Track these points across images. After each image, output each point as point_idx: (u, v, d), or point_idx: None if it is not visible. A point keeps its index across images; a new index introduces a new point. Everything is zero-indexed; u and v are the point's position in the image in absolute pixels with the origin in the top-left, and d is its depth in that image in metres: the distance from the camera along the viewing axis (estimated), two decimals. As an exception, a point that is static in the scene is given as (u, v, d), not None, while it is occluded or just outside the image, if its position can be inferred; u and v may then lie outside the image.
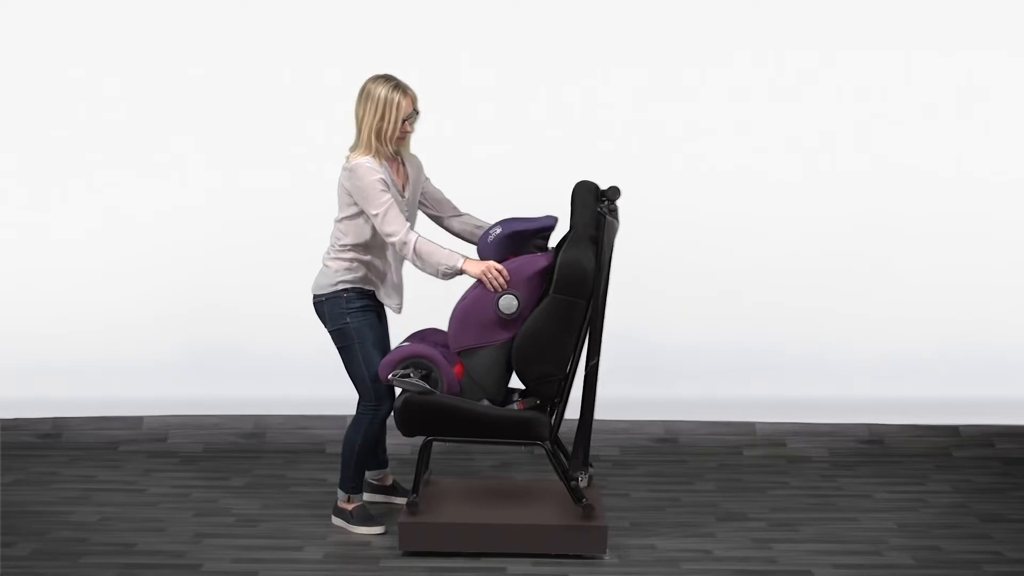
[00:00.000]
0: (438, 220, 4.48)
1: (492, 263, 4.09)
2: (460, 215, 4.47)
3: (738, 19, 5.86)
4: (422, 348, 4.12)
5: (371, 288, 4.29)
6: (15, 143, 5.94)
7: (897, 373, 5.94)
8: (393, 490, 4.70)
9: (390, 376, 4.09)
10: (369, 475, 4.67)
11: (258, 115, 5.88)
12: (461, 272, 4.11)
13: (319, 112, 5.80)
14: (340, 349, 4.28)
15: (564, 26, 5.87)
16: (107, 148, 5.93)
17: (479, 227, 4.42)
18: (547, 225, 4.18)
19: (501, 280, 4.07)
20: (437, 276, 4.14)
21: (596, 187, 4.17)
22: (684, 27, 5.86)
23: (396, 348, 4.21)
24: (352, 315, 4.24)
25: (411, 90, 4.16)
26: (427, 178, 4.44)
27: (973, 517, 4.59)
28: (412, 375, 4.05)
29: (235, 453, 5.43)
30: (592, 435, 4.22)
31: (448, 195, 4.49)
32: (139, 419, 5.61)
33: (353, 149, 4.19)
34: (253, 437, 5.56)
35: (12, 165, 5.96)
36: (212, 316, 5.97)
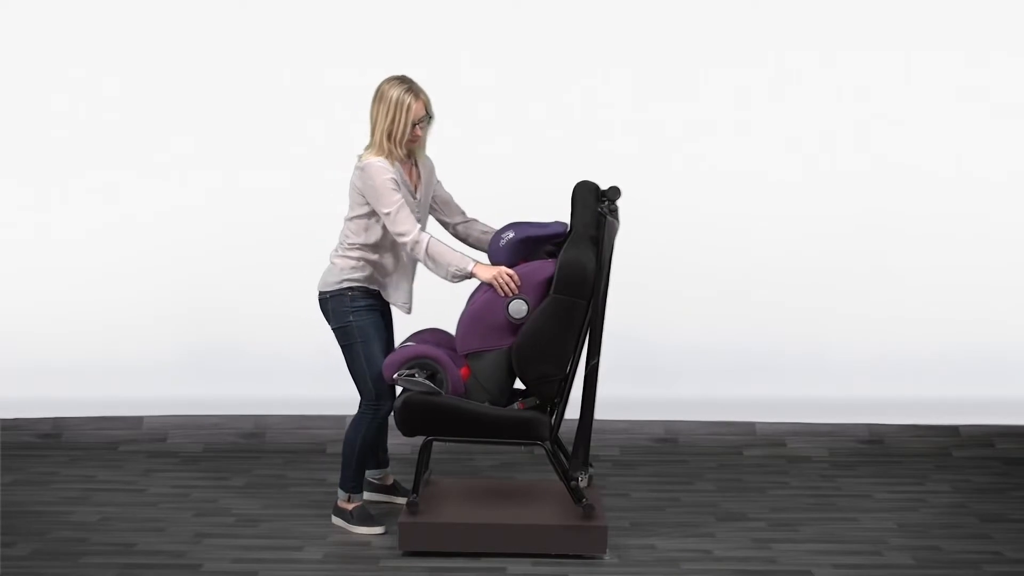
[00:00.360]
0: (445, 224, 4.48)
1: (503, 268, 4.09)
2: (468, 220, 4.47)
3: (738, 19, 5.87)
4: (427, 349, 4.12)
5: (376, 288, 4.29)
6: (15, 143, 5.94)
7: (897, 373, 5.94)
8: (394, 490, 4.71)
9: (395, 376, 4.09)
10: (370, 474, 4.67)
11: (258, 115, 5.88)
12: (471, 275, 4.11)
13: (319, 112, 5.80)
14: (343, 347, 4.29)
15: (564, 26, 5.87)
16: (107, 148, 5.93)
17: (486, 232, 4.42)
18: (558, 232, 4.18)
19: (512, 285, 4.07)
20: (446, 278, 4.14)
21: (596, 187, 4.17)
22: (684, 27, 5.86)
23: (400, 348, 4.21)
24: (356, 314, 4.24)
25: (424, 94, 4.16)
26: (439, 181, 4.44)
27: (973, 517, 4.59)
28: (417, 375, 4.05)
29: (235, 453, 5.42)
30: (592, 435, 4.22)
31: (452, 196, 4.49)
32: (139, 419, 5.61)
33: (367, 149, 4.20)
34: (253, 437, 5.56)
35: (12, 165, 5.96)
36: (212, 316, 5.97)
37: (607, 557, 4.09)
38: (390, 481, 4.72)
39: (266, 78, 5.88)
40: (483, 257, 4.28)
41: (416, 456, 4.30)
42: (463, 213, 4.47)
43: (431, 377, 4.08)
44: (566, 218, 4.22)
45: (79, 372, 5.86)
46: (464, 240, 4.47)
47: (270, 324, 5.92)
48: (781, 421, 5.62)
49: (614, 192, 4.12)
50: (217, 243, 5.94)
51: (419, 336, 4.44)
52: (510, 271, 4.08)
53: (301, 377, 5.79)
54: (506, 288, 4.06)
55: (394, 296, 4.32)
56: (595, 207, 4.10)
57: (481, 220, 4.48)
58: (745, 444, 5.51)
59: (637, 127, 5.89)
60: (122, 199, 5.96)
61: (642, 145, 5.89)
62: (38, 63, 5.89)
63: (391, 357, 4.15)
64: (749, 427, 5.59)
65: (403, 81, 4.14)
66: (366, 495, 4.58)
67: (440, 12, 5.85)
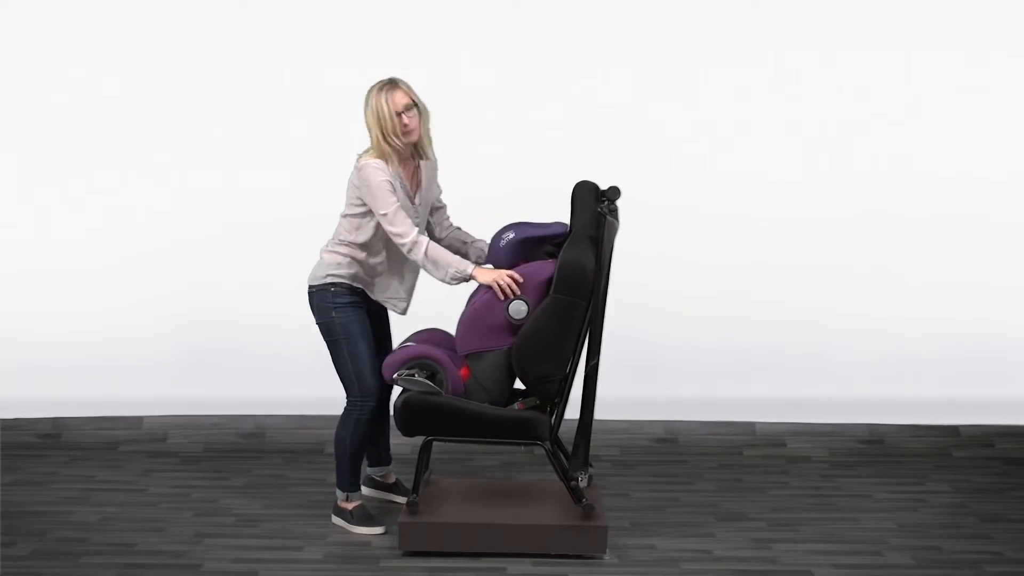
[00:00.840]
0: (429, 229, 4.46)
1: (503, 271, 4.09)
2: (452, 229, 4.47)
3: (738, 19, 5.86)
4: (427, 349, 4.12)
5: (360, 286, 4.29)
6: (15, 143, 5.94)
7: (897, 373, 5.94)
8: (395, 488, 4.71)
9: (395, 376, 4.09)
10: (372, 471, 4.68)
11: (258, 115, 5.88)
12: (470, 278, 4.11)
13: (319, 112, 5.80)
14: (327, 343, 4.29)
15: (564, 26, 5.87)
16: (107, 148, 5.92)
17: (465, 243, 4.43)
18: (558, 232, 4.18)
19: (515, 287, 4.07)
20: (445, 280, 4.14)
21: (596, 187, 4.17)
22: (684, 27, 5.86)
23: (400, 348, 4.21)
24: (338, 310, 4.24)
25: (403, 84, 4.15)
26: (440, 188, 4.43)
27: (973, 517, 4.59)
28: (417, 375, 4.05)
29: (235, 453, 5.42)
30: (592, 435, 4.21)
31: (449, 196, 4.49)
32: (139, 419, 5.61)
33: (367, 151, 4.20)
34: (253, 437, 5.56)
35: (12, 165, 5.96)
36: (212, 316, 5.97)
37: (607, 557, 4.09)
38: (392, 479, 4.72)
39: (266, 78, 5.87)
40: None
41: (416, 456, 4.30)
42: (449, 221, 4.47)
43: (431, 377, 4.09)
44: (566, 218, 4.22)
45: (79, 372, 5.86)
46: (446, 248, 4.43)
47: (270, 324, 5.92)
48: (781, 421, 5.62)
49: (614, 192, 4.12)
50: (217, 243, 5.94)
51: (419, 336, 4.44)
52: (511, 273, 4.08)
53: (301, 377, 5.78)
54: (507, 291, 4.06)
55: (380, 295, 4.31)
56: (595, 207, 4.10)
57: (465, 228, 4.47)
58: (745, 444, 5.51)
59: (637, 127, 5.89)
60: (122, 199, 5.96)
61: (642, 145, 5.88)
62: (38, 63, 5.89)
63: (391, 357, 4.15)
64: (749, 427, 5.59)
65: (381, 80, 4.15)
66: (367, 491, 4.58)
67: (440, 12, 5.85)
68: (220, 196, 5.92)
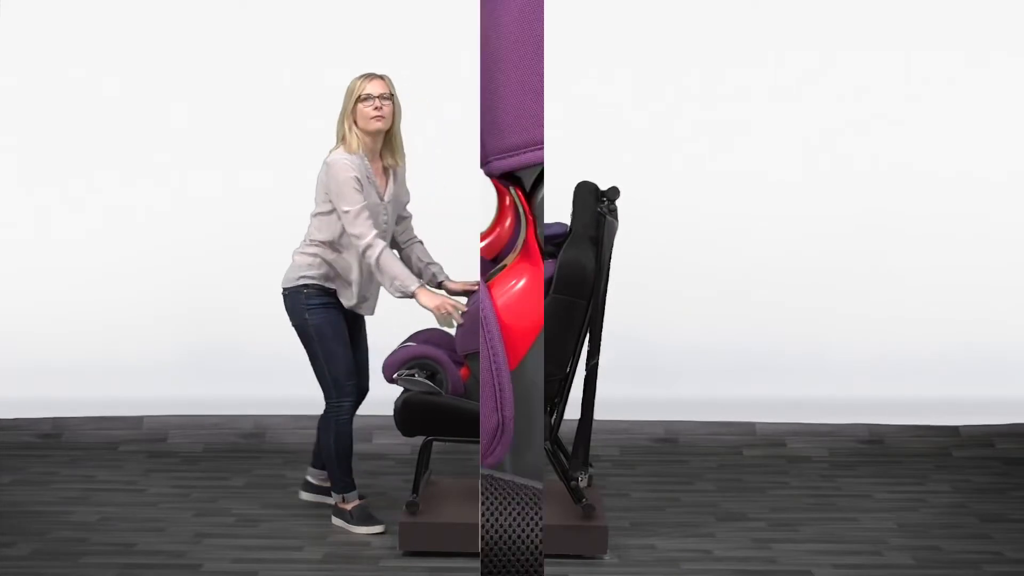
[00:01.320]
0: (391, 237, 4.37)
1: (447, 300, 4.07)
2: (414, 242, 4.41)
3: (738, 19, 5.86)
4: (427, 349, 4.12)
5: (332, 287, 4.25)
6: (15, 143, 5.94)
7: (897, 373, 5.94)
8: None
9: (395, 376, 4.09)
10: (312, 474, 4.60)
11: (258, 115, 5.88)
12: (412, 296, 4.06)
13: (319, 112, 5.78)
14: (303, 345, 4.28)
15: (564, 26, 5.85)
16: (107, 148, 5.92)
17: (423, 261, 4.38)
18: (558, 232, 4.17)
19: (456, 316, 4.05)
20: (390, 291, 4.11)
21: (596, 187, 4.17)
22: (684, 27, 5.86)
23: (400, 348, 4.21)
24: (311, 312, 4.22)
25: (377, 78, 4.14)
26: (408, 194, 4.39)
27: (973, 517, 4.58)
28: (417, 375, 4.05)
29: (235, 453, 5.42)
30: (592, 435, 4.22)
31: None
32: (139, 419, 5.61)
33: (335, 147, 4.18)
34: (253, 437, 5.56)
35: (12, 165, 5.96)
36: (212, 316, 5.97)
37: (607, 557, 4.09)
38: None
39: (266, 78, 5.87)
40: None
41: (416, 456, 4.30)
42: (413, 238, 4.42)
43: (431, 377, 4.08)
44: (566, 218, 4.22)
45: (79, 372, 5.85)
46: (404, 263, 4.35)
47: (270, 324, 5.86)
48: (781, 421, 5.61)
49: (613, 192, 4.12)
50: (217, 243, 5.94)
51: (419, 336, 4.43)
52: (455, 302, 4.06)
53: (301, 377, 5.73)
54: (447, 320, 4.04)
55: (345, 296, 4.26)
56: (594, 207, 4.10)
57: (425, 246, 4.43)
58: (745, 444, 5.51)
59: (637, 127, 5.89)
60: (122, 199, 5.96)
61: (642, 145, 5.88)
62: (38, 63, 5.89)
63: (391, 357, 4.15)
64: (749, 427, 5.59)
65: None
66: (302, 495, 4.56)
67: (440, 12, 5.85)
68: (220, 196, 5.92)
